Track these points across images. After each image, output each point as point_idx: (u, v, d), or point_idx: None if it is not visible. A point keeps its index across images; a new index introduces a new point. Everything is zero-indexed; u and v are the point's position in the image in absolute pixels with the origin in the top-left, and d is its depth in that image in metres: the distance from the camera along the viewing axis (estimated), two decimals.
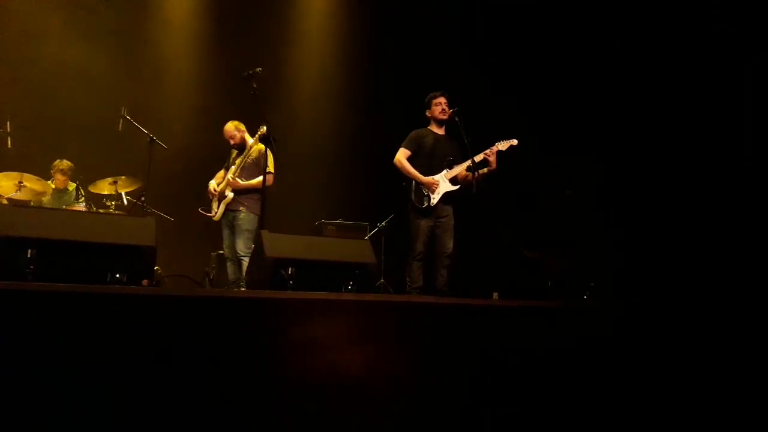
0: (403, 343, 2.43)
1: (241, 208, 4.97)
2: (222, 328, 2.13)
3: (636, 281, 5.64)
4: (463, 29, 7.26)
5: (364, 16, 7.49)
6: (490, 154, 4.65)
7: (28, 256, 2.63)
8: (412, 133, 4.87)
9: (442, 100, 4.84)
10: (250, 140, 5.05)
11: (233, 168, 5.05)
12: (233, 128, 5.14)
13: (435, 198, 4.64)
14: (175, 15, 7.13)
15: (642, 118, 6.09)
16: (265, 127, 4.56)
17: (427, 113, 4.90)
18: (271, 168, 4.83)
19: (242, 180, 5.01)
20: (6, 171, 5.15)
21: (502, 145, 4.70)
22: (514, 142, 4.70)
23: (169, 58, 7.03)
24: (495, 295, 5.16)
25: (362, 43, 7.46)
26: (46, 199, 5.61)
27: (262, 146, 4.91)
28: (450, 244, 4.65)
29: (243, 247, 4.87)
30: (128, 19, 6.76)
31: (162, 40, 7.03)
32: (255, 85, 4.37)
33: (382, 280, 5.96)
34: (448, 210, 4.71)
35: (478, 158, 4.59)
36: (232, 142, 5.15)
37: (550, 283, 5.85)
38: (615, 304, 3.73)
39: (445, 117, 4.79)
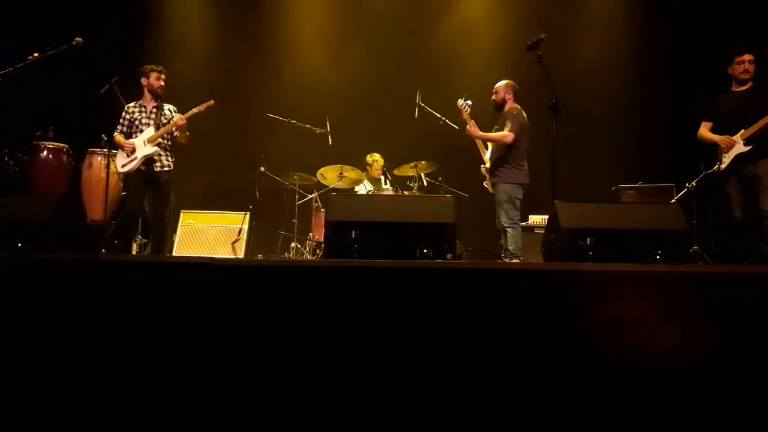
0: (723, 320, 2.15)
1: (497, 180, 5.05)
2: (520, 299, 2.18)
3: None
4: None
5: None
6: None
7: (353, 236, 3.08)
8: (709, 102, 4.53)
9: (747, 57, 4.30)
10: (509, 105, 5.12)
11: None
12: (503, 86, 5.21)
13: (725, 160, 4.29)
14: None
15: None
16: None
17: (729, 70, 4.42)
18: (507, 130, 4.92)
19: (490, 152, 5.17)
20: (330, 164, 6.05)
21: None
22: None
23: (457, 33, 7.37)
24: None
25: None
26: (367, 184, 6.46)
27: (515, 106, 5.05)
28: (764, 205, 4.18)
29: (503, 219, 4.94)
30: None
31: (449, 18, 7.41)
32: (540, 53, 4.31)
33: (695, 247, 5.34)
34: (759, 166, 4.23)
35: None
36: (494, 97, 5.23)
37: None
38: None
39: (747, 77, 4.30)
